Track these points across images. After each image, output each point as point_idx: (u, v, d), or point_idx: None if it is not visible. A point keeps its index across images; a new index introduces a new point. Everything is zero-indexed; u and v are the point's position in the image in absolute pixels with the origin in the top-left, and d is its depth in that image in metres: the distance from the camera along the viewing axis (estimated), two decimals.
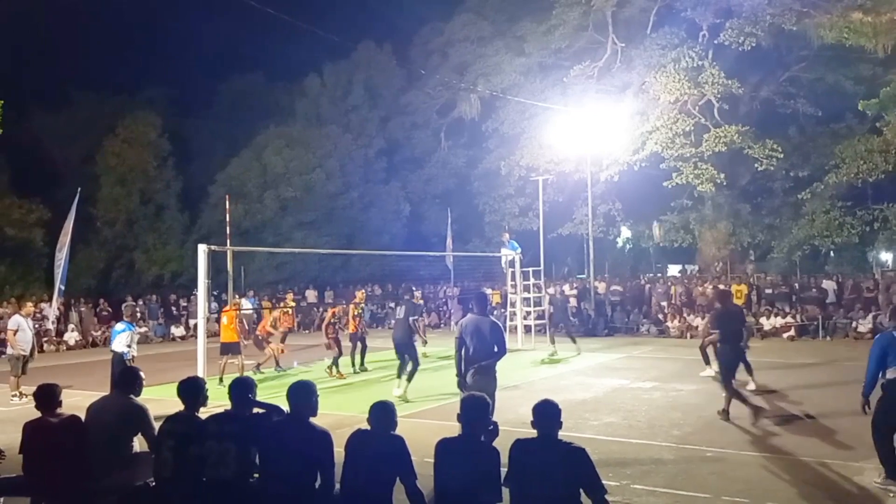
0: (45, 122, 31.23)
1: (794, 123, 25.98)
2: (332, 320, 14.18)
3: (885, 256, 30.71)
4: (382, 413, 4.38)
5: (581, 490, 4.02)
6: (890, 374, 6.24)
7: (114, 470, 4.94)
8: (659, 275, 31.45)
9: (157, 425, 4.95)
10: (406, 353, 10.90)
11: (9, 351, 12.45)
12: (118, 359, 10.63)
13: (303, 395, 4.50)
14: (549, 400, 4.28)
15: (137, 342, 11.63)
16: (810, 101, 24.94)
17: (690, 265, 31.47)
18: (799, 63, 25.06)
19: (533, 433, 4.19)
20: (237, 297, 13.86)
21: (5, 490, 5.16)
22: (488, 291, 20.47)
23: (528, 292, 18.04)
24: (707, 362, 12.26)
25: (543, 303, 18.40)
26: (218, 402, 5.30)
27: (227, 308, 13.26)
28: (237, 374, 10.82)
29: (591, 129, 22.52)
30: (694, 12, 23.28)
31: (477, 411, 4.40)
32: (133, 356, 10.78)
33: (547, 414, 4.18)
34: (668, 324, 20.77)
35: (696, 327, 19.49)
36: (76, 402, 6.66)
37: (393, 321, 13.32)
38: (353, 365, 13.95)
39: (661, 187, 24.75)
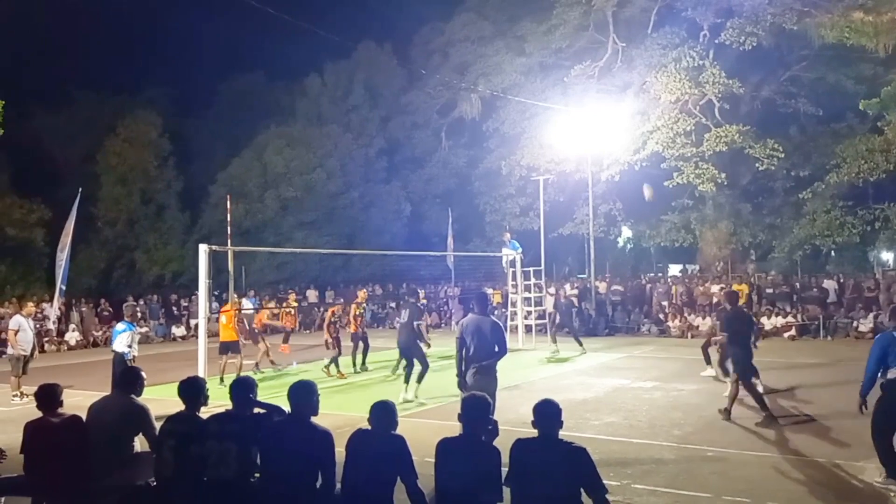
0: (45, 121, 31.26)
1: (795, 123, 25.93)
2: (332, 319, 14.18)
3: (886, 256, 30.66)
4: (383, 413, 4.38)
5: (582, 490, 4.01)
6: (890, 374, 6.24)
7: (115, 470, 4.94)
8: (660, 274, 31.45)
9: (157, 425, 4.95)
10: (413, 357, 10.85)
11: (9, 351, 12.45)
12: (119, 359, 10.66)
13: (304, 394, 4.50)
14: (549, 400, 4.28)
15: (138, 342, 11.66)
16: (811, 101, 24.88)
17: (691, 265, 31.43)
18: (800, 63, 25.03)
19: (534, 433, 4.18)
20: (237, 296, 13.83)
21: (6, 490, 5.16)
22: (489, 291, 20.52)
23: (529, 292, 18.06)
24: (708, 362, 12.29)
25: (544, 302, 18.39)
26: (219, 401, 5.31)
27: (226, 307, 13.26)
28: (237, 374, 10.91)
29: (592, 129, 22.51)
30: (695, 12, 23.26)
31: (478, 411, 4.39)
32: (134, 356, 10.81)
33: (548, 413, 4.18)
34: (669, 323, 20.77)
35: (697, 327, 19.50)
36: (77, 402, 6.66)
37: (397, 324, 13.29)
38: (354, 365, 13.95)
39: (661, 187, 24.75)
